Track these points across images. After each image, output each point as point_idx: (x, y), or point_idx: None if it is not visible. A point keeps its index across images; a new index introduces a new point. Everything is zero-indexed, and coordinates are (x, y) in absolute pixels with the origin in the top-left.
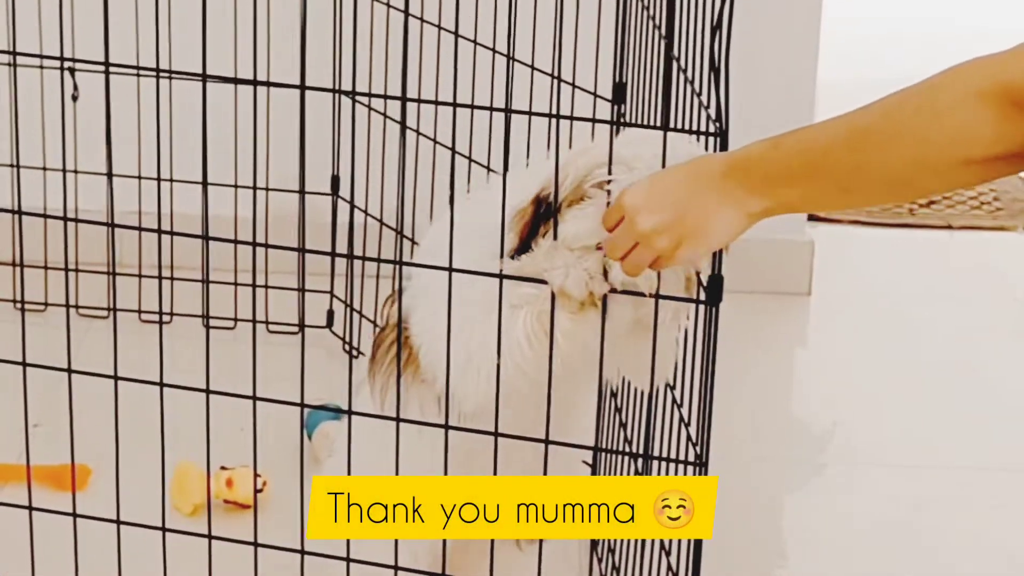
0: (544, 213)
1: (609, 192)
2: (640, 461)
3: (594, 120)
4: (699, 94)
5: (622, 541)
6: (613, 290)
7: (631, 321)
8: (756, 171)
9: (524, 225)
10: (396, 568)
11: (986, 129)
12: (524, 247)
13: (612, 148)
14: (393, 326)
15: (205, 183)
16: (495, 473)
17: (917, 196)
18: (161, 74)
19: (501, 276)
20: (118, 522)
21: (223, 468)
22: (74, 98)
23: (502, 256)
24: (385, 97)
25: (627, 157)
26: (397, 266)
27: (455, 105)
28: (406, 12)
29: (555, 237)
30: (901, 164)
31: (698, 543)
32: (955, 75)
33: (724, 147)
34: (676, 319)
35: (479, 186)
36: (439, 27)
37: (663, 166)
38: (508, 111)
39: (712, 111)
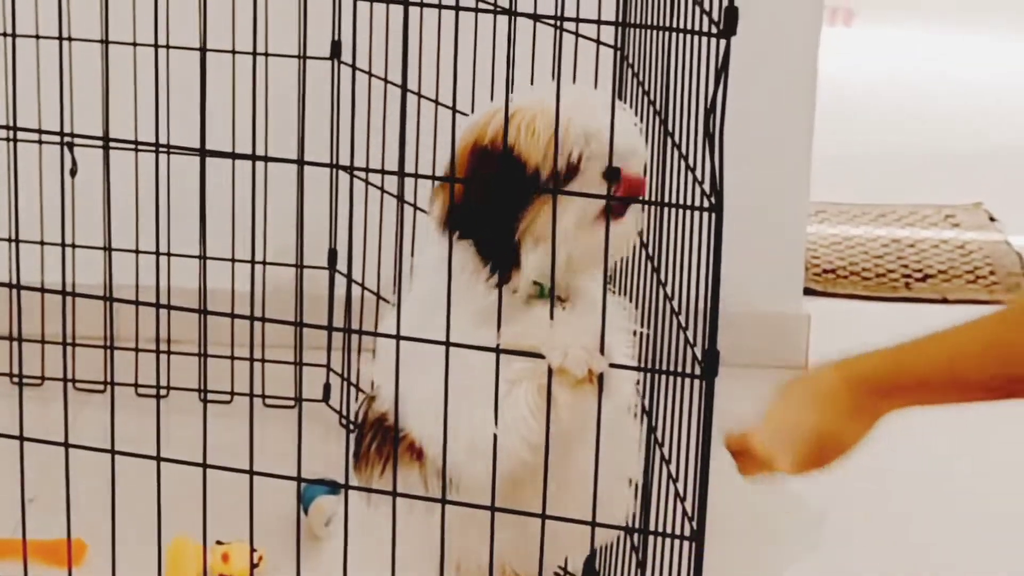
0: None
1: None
2: (636, 536)
3: (591, 195)
4: (692, 169)
5: None
6: (613, 365)
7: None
8: (886, 385)
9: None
10: None
11: None
12: (501, 236)
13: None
14: (371, 425)
15: (203, 257)
16: (492, 546)
17: None
18: (160, 149)
19: (498, 351)
20: None
21: (219, 543)
22: (72, 173)
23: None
24: (383, 172)
25: (603, 127)
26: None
27: (452, 180)
28: (404, 88)
29: (551, 315)
30: None
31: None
32: None
33: (719, 221)
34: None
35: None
36: (436, 102)
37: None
38: (505, 187)
39: (706, 186)
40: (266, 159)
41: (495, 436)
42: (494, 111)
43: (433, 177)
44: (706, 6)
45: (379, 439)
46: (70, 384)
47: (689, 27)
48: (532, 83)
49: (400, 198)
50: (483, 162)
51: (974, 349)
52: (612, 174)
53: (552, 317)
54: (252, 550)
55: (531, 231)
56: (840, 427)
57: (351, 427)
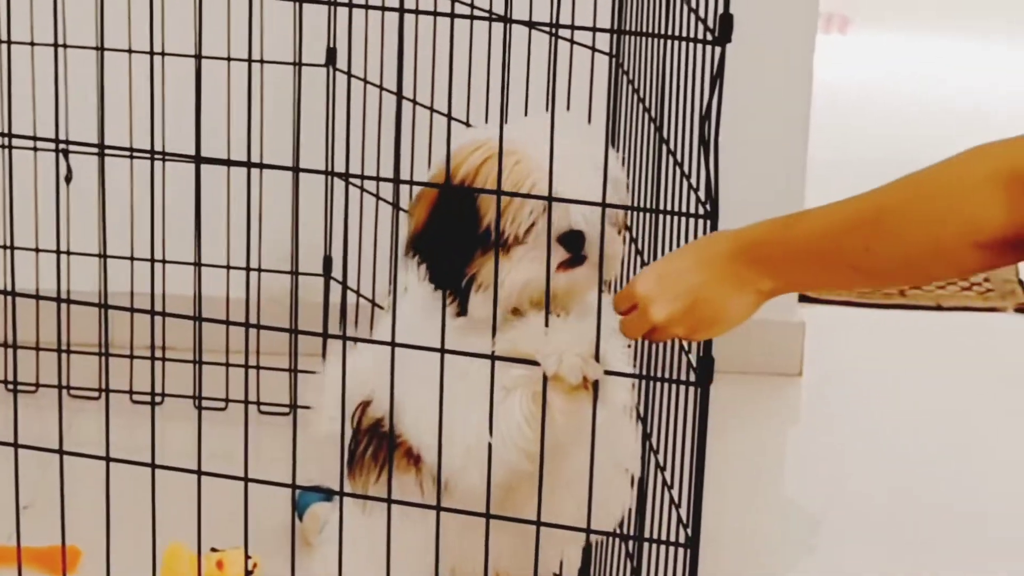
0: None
1: (550, 229)
2: (631, 543)
3: (584, 202)
4: (688, 176)
5: None
6: (608, 372)
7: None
8: (768, 253)
9: (426, 211)
10: None
11: (997, 212)
12: (439, 247)
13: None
14: (365, 430)
15: (198, 264)
16: (487, 553)
17: (928, 280)
18: (155, 156)
19: (493, 358)
20: None
21: (214, 549)
22: (68, 179)
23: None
24: (378, 179)
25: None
26: (390, 347)
27: (448, 187)
28: (399, 95)
29: (546, 322)
30: (912, 245)
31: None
32: (968, 158)
33: (715, 228)
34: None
35: None
36: (432, 109)
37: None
38: (499, 193)
39: (701, 193)
40: (261, 166)
41: (490, 444)
42: (474, 147)
43: (429, 185)
44: (701, 13)
45: (374, 445)
46: (65, 391)
47: (684, 34)
48: (527, 89)
49: (395, 205)
50: (448, 199)
51: (848, 217)
52: (569, 240)
53: (547, 324)
54: (247, 557)
55: (476, 279)
56: (717, 293)
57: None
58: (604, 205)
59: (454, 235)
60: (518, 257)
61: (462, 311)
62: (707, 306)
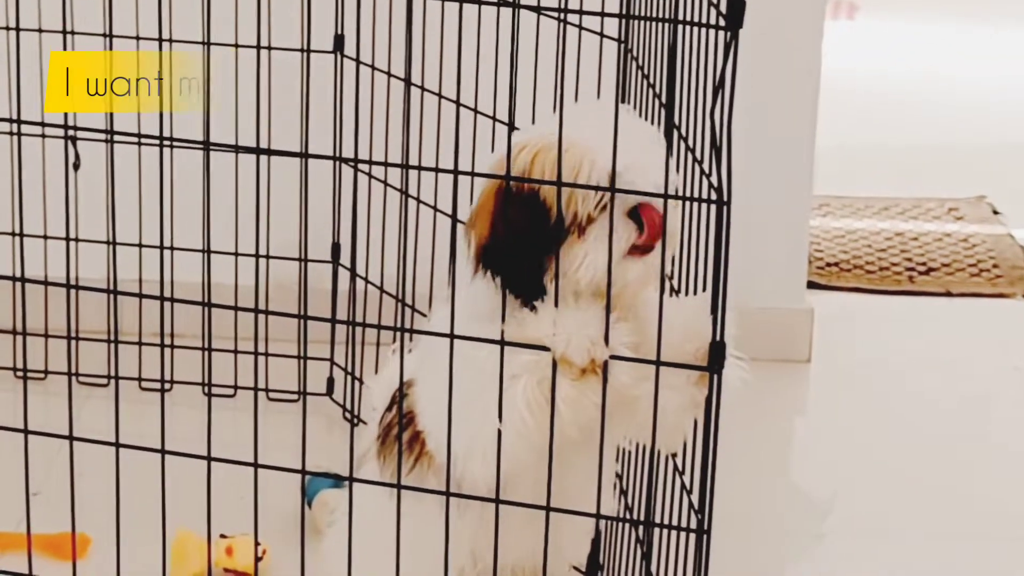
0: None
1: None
2: (642, 529)
3: (596, 188)
4: (700, 162)
5: None
6: (615, 356)
7: (635, 389)
8: None
9: (488, 222)
10: None
11: None
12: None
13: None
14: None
15: (207, 251)
16: (495, 543)
17: None
18: (163, 143)
19: (502, 343)
20: None
21: (223, 536)
22: (76, 166)
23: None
24: (386, 165)
25: (631, 164)
26: (398, 333)
27: (456, 173)
28: (407, 81)
29: (556, 302)
30: None
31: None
32: None
33: (728, 216)
34: (689, 409)
35: None
36: (440, 96)
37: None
38: (508, 179)
39: (714, 179)
40: (269, 152)
41: (499, 431)
42: (519, 148)
43: (436, 170)
44: None
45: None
46: (74, 378)
47: (695, 19)
48: (535, 75)
49: (404, 192)
50: (509, 204)
51: None
52: (639, 213)
53: (556, 306)
54: (256, 543)
55: (550, 268)
56: None
57: (357, 420)
58: (613, 190)
59: (526, 238)
60: (594, 237)
61: (529, 302)
62: None
